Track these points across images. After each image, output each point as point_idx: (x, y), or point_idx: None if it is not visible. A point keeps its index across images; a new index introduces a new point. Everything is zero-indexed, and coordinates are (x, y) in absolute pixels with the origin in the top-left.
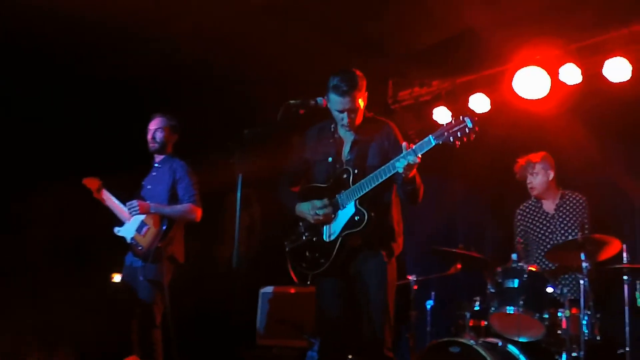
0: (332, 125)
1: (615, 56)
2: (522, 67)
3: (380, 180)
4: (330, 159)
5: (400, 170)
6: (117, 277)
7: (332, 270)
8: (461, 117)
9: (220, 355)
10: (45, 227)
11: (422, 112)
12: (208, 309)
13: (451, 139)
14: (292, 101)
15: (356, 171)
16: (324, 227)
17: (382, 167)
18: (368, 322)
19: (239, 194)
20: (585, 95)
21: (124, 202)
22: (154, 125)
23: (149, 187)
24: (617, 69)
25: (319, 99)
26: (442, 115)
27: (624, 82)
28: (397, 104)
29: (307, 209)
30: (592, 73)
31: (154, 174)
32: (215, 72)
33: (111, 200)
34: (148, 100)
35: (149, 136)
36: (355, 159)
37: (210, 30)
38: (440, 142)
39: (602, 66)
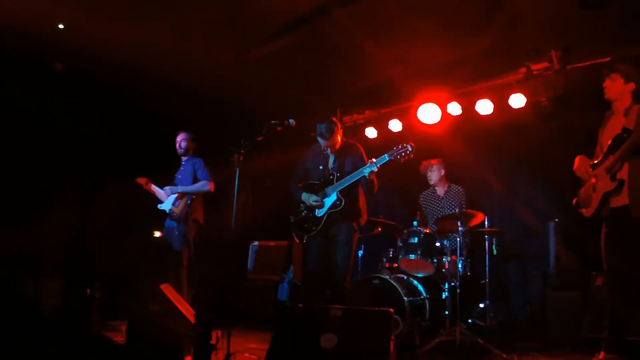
0: (322, 148)
1: (483, 98)
2: (423, 103)
3: (353, 180)
4: (321, 167)
5: (367, 175)
6: (157, 233)
7: (318, 234)
8: (405, 144)
9: (225, 284)
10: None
11: (358, 131)
12: (217, 255)
13: (398, 157)
14: (272, 121)
15: (338, 175)
16: (317, 209)
17: (354, 172)
18: (337, 265)
19: (236, 182)
20: (463, 123)
21: (162, 188)
22: (179, 138)
23: (179, 177)
24: (484, 107)
25: (290, 121)
26: (371, 132)
27: (489, 114)
28: (342, 125)
29: (306, 198)
30: (468, 108)
31: (182, 169)
32: (222, 101)
33: (156, 189)
34: (180, 121)
35: (177, 145)
36: (337, 168)
37: (221, 73)
38: (391, 159)
39: (475, 104)
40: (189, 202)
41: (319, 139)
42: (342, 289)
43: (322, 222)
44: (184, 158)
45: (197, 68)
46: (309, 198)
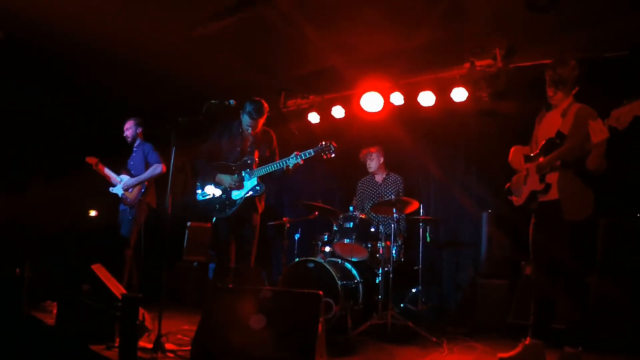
0: (241, 127)
1: (426, 90)
2: (366, 91)
3: (276, 169)
4: (238, 149)
5: (291, 166)
6: (92, 212)
7: (232, 215)
8: (328, 143)
9: (161, 264)
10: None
11: (302, 115)
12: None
13: (322, 153)
14: (213, 101)
15: (256, 160)
16: (233, 190)
17: (279, 161)
18: (246, 248)
19: (172, 162)
20: (405, 112)
21: (115, 171)
22: (125, 127)
23: (131, 163)
24: (427, 98)
25: (231, 101)
26: (314, 118)
27: (430, 106)
28: (286, 109)
29: (227, 179)
30: (411, 99)
31: (133, 154)
32: (167, 79)
33: (106, 171)
34: (123, 99)
35: (124, 134)
36: (253, 151)
37: (162, 53)
38: (315, 154)
39: (417, 95)
40: (142, 189)
41: (246, 117)
42: (247, 271)
43: (238, 205)
44: (135, 144)
45: (141, 44)
46: (229, 179)
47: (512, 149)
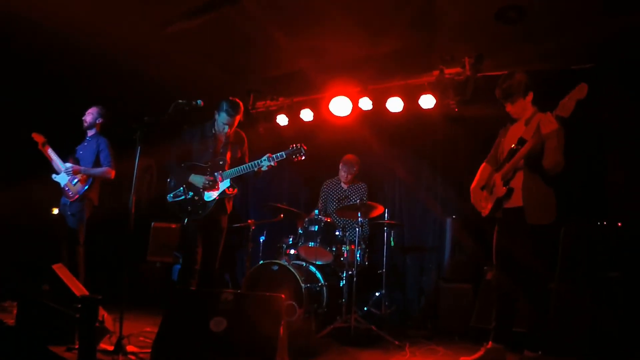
0: (213, 128)
1: (395, 96)
2: (335, 95)
3: (249, 171)
4: (210, 150)
5: (264, 168)
6: (55, 210)
7: (203, 218)
8: (299, 145)
9: (121, 266)
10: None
11: (270, 117)
12: (115, 236)
13: (293, 156)
14: (180, 101)
15: (228, 161)
16: (206, 192)
17: (251, 163)
18: (214, 250)
19: (136, 160)
20: (374, 117)
21: (61, 158)
22: (88, 111)
23: (81, 152)
24: (395, 104)
25: (199, 101)
26: (282, 120)
27: (398, 112)
28: (255, 110)
29: (200, 180)
30: (379, 104)
31: (85, 144)
32: (136, 77)
33: (53, 155)
34: (89, 93)
35: (83, 117)
36: (225, 152)
37: (130, 46)
38: (286, 157)
39: (386, 101)
40: (88, 183)
41: (224, 115)
42: (213, 273)
43: (210, 207)
44: (89, 132)
45: (109, 35)
46: (201, 180)
47: (472, 189)
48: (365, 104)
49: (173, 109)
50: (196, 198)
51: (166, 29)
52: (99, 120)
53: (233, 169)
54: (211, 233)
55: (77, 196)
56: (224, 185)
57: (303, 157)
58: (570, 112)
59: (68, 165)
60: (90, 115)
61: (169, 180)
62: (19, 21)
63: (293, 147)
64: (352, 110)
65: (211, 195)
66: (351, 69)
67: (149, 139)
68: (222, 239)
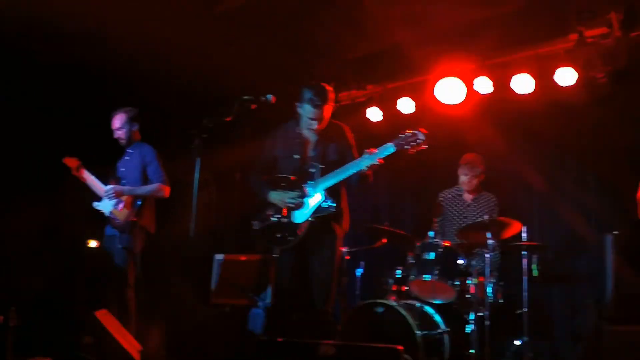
0: (298, 127)
1: (522, 72)
2: (442, 77)
3: (347, 175)
4: (296, 156)
5: (365, 169)
6: (92, 243)
7: (296, 246)
8: (414, 131)
9: (180, 311)
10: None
11: (357, 111)
12: (170, 272)
13: (406, 147)
14: (245, 97)
15: (321, 167)
16: (294, 211)
17: (348, 165)
18: (319, 286)
19: (196, 176)
20: (495, 103)
21: (102, 181)
22: (116, 124)
23: (122, 169)
24: (522, 83)
25: (268, 96)
26: (374, 114)
27: (528, 94)
28: (337, 103)
29: (280, 197)
30: (502, 85)
31: (127, 158)
32: (180, 71)
33: (90, 178)
34: (122, 93)
35: (115, 136)
36: (318, 156)
37: (173, 34)
38: (398, 149)
39: (510, 80)
40: (136, 205)
41: (308, 107)
42: (324, 315)
43: (303, 230)
44: (130, 146)
45: (145, 27)
46: (283, 197)
47: (638, 197)
48: (483, 85)
49: (236, 108)
50: (284, 221)
51: (217, 6)
52: (135, 127)
53: (326, 177)
54: (311, 265)
55: (127, 224)
56: (313, 200)
57: (425, 147)
58: None
59: (108, 187)
60: (122, 130)
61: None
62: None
63: (406, 133)
64: (466, 95)
65: (303, 214)
66: (462, 39)
67: (208, 147)
68: (332, 271)
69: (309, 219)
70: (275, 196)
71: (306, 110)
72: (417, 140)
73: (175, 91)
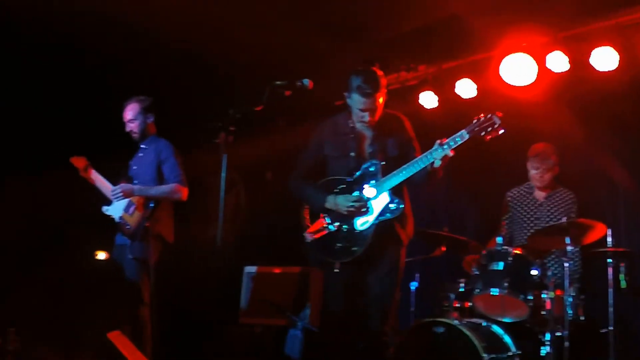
0: (350, 121)
1: (603, 45)
2: (509, 53)
3: (416, 171)
4: (352, 154)
5: (438, 163)
6: (101, 255)
7: (362, 257)
8: (489, 114)
9: (204, 332)
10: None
11: (408, 97)
12: (192, 287)
13: (483, 133)
14: (277, 82)
15: (382, 164)
16: (356, 217)
17: (416, 159)
18: (377, 303)
19: (223, 175)
20: (572, 83)
21: (112, 181)
22: (128, 115)
23: (135, 167)
24: (604, 58)
25: (305, 81)
26: (428, 99)
27: (610, 71)
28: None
29: (343, 202)
30: (579, 61)
31: (140, 154)
32: (199, 54)
33: (99, 179)
34: (134, 81)
35: (127, 129)
36: (377, 152)
37: (194, 13)
38: (472, 136)
39: (590, 55)
40: (149, 208)
41: (357, 97)
42: (382, 338)
43: (368, 238)
44: (144, 141)
45: (164, 6)
46: (343, 201)
47: None
48: (557, 62)
49: (267, 95)
50: (345, 229)
51: None
52: (149, 119)
53: (392, 175)
54: (376, 278)
55: (140, 230)
56: (381, 202)
57: (502, 131)
58: None
59: (115, 187)
60: (135, 121)
61: (304, 210)
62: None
63: (480, 118)
64: (537, 74)
65: (366, 220)
66: (532, 6)
67: (235, 141)
68: (389, 284)
69: (375, 223)
70: (333, 201)
71: (355, 101)
72: (494, 125)
73: (197, 78)
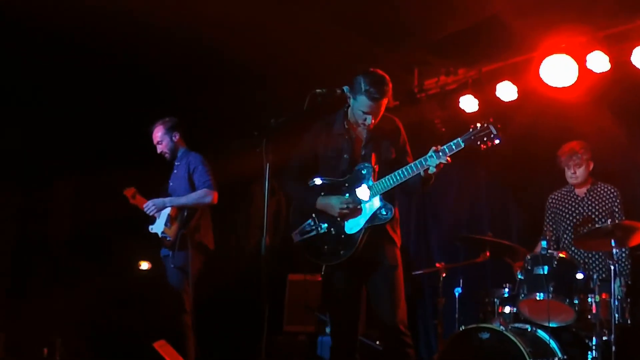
0: (345, 122)
1: None
2: (549, 54)
3: (408, 177)
4: (346, 156)
5: (432, 170)
6: (144, 265)
7: (350, 261)
8: (485, 124)
9: (248, 341)
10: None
11: (448, 101)
12: (235, 295)
13: (478, 142)
14: (318, 90)
15: (376, 167)
16: (347, 220)
17: (411, 165)
18: (386, 304)
19: (266, 183)
20: (613, 84)
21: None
22: (156, 139)
23: (171, 184)
24: None
25: (346, 88)
26: (468, 103)
27: None
28: (422, 93)
29: (334, 203)
30: (621, 61)
31: (175, 171)
32: (240, 62)
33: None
34: (176, 93)
35: (158, 151)
36: (370, 155)
37: (234, 21)
38: (467, 145)
39: (631, 54)
40: (183, 217)
41: (364, 99)
42: (400, 337)
43: (359, 242)
44: (176, 158)
45: (192, 11)
46: (335, 202)
47: None
48: (598, 61)
49: (309, 102)
50: (333, 231)
51: None
52: (175, 137)
53: (384, 179)
54: (379, 275)
55: (176, 240)
56: (371, 205)
57: (497, 141)
58: None
59: (147, 203)
60: (163, 142)
61: (292, 209)
62: None
63: (475, 127)
64: (577, 75)
65: (357, 223)
66: (571, 5)
67: (275, 149)
68: (398, 283)
69: (365, 227)
70: (325, 202)
71: (361, 103)
72: (490, 134)
73: (235, 88)
